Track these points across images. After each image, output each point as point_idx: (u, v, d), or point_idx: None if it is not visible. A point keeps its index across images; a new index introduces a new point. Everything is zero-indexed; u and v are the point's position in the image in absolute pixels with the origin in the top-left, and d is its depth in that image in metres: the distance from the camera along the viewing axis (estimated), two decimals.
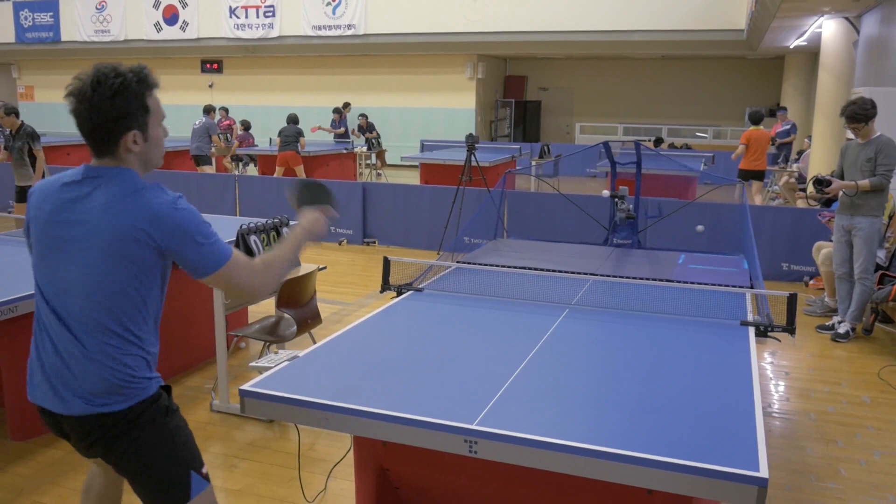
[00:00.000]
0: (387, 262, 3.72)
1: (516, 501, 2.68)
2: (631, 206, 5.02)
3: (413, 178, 14.44)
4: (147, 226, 1.85)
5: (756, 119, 10.44)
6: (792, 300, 3.12)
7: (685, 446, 2.06)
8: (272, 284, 2.07)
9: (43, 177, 7.87)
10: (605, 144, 5.06)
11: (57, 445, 3.72)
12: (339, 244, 8.92)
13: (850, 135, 5.57)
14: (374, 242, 8.94)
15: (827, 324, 5.85)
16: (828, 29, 10.37)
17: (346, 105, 16.45)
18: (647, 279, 3.77)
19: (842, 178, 5.61)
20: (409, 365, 2.69)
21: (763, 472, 1.92)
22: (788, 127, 13.65)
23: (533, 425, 2.17)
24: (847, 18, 10.01)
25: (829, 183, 5.40)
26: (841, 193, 5.49)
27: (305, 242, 2.26)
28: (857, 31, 9.89)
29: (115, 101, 1.85)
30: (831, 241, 6.65)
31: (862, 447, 3.91)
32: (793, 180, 12.14)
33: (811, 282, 7.26)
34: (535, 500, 2.65)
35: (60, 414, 1.95)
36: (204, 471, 2.07)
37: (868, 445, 3.93)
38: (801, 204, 9.10)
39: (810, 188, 5.62)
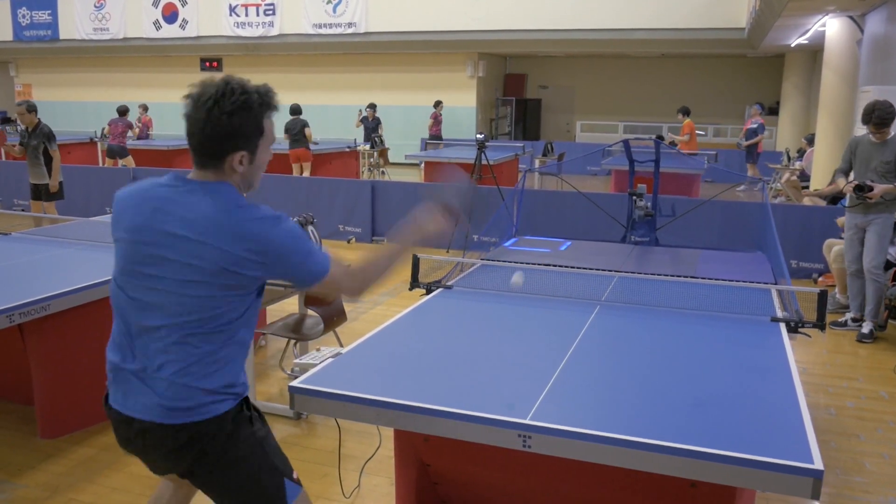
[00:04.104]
0: (416, 260, 3.75)
1: (557, 494, 2.71)
2: (649, 203, 5.06)
3: (414, 176, 14.47)
4: (252, 246, 1.81)
5: (687, 112, 13.81)
6: (822, 297, 3.16)
7: (737, 439, 2.09)
8: (369, 286, 2.02)
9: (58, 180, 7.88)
10: (626, 143, 5.10)
11: (89, 443, 3.73)
12: (349, 242, 8.94)
13: (861, 132, 5.59)
14: (383, 241, 8.96)
15: (840, 320, 5.91)
16: (831, 27, 10.43)
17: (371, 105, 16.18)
18: (674, 276, 3.80)
19: (849, 170, 5.59)
20: (451, 361, 2.72)
21: (818, 464, 1.96)
22: (756, 126, 13.41)
23: (584, 419, 2.21)
24: (851, 17, 10.07)
25: (870, 188, 5.31)
26: (853, 191, 5.46)
27: (413, 241, 2.08)
28: (861, 30, 9.96)
29: (232, 118, 1.80)
30: (842, 238, 6.72)
31: (884, 441, 3.96)
32: (795, 178, 12.21)
33: (820, 279, 7.31)
34: (575, 493, 2.69)
35: (140, 421, 1.87)
36: (295, 476, 2.04)
37: (890, 440, 3.98)
38: (807, 201, 9.16)
39: (849, 193, 5.49)
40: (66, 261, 4.33)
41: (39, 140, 7.69)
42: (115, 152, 12.81)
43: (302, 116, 11.97)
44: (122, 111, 13.09)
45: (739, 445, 2.05)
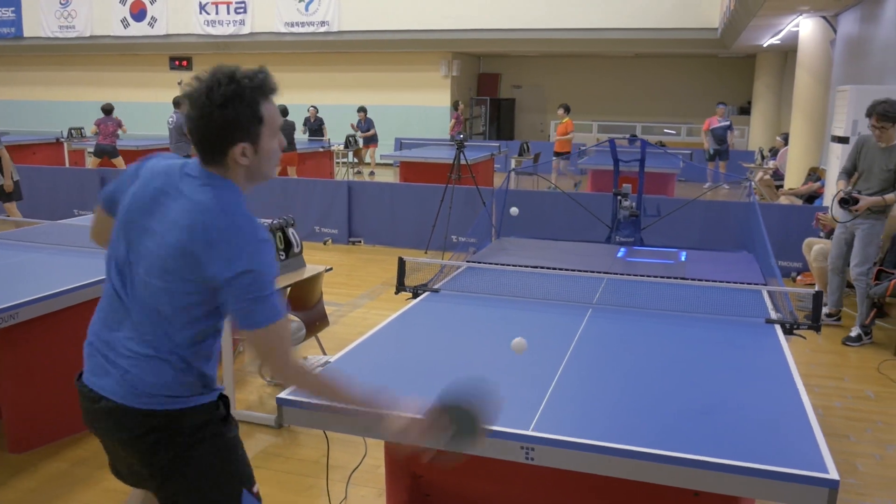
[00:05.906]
0: (402, 263, 3.65)
1: None
2: (633, 203, 5.01)
3: (389, 176, 14.34)
4: (233, 255, 1.69)
5: (568, 109, 13.52)
6: (818, 298, 3.12)
7: (745, 448, 2.02)
8: (303, 384, 1.79)
9: (12, 177, 7.62)
10: (612, 142, 5.05)
11: (61, 457, 3.57)
12: (325, 244, 8.79)
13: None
14: (360, 242, 8.83)
15: None
16: (805, 28, 10.51)
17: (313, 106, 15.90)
18: (666, 277, 3.74)
19: (853, 170, 5.43)
20: (445, 369, 2.62)
21: (833, 474, 1.89)
22: (727, 124, 13.54)
23: (586, 430, 2.12)
24: (824, 17, 10.16)
25: (856, 201, 5.21)
26: (838, 203, 5.30)
27: (377, 423, 1.83)
28: (834, 30, 10.05)
29: (225, 110, 1.69)
30: (820, 237, 6.74)
31: (874, 442, 3.94)
32: (768, 177, 12.31)
33: (798, 277, 7.34)
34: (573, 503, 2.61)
35: (105, 398, 1.76)
36: (255, 489, 1.92)
37: (880, 440, 3.96)
38: (783, 200, 9.22)
39: (835, 208, 5.33)
40: (34, 266, 4.15)
41: None
42: (107, 152, 12.06)
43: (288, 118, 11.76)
44: (108, 109, 12.27)
45: (747, 454, 1.98)
